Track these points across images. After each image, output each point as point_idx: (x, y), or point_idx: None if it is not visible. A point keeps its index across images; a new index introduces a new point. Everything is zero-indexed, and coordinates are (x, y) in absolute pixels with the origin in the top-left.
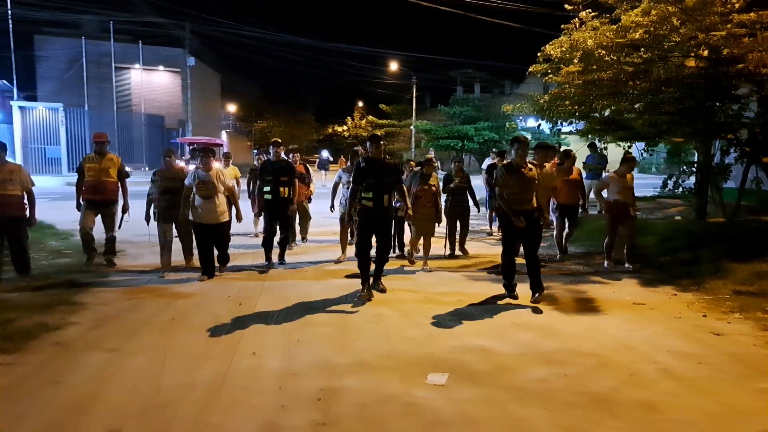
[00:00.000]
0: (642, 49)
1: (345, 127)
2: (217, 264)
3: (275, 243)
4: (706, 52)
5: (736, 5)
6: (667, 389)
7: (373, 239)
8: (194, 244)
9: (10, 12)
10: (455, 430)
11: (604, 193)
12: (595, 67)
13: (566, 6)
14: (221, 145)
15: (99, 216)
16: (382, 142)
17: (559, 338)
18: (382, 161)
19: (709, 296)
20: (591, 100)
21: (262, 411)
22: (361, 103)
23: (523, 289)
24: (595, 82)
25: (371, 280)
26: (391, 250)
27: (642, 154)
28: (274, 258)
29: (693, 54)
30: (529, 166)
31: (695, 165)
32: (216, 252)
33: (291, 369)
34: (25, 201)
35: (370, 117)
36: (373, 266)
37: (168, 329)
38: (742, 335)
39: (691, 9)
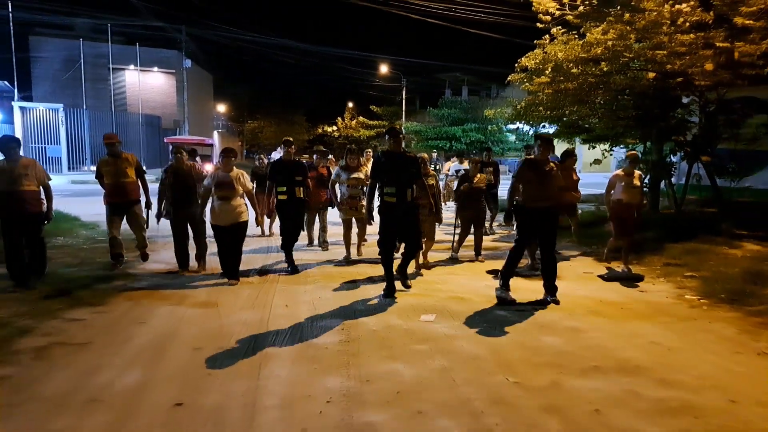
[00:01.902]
0: (603, 63)
1: (335, 128)
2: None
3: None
4: (657, 66)
5: (686, 25)
6: (592, 322)
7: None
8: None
9: (11, 15)
10: (437, 341)
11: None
12: (562, 78)
13: (538, 24)
14: (211, 146)
15: (125, 218)
16: (401, 135)
17: (519, 293)
18: (402, 154)
19: (645, 267)
20: (560, 106)
21: (301, 336)
22: (351, 104)
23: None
24: (562, 91)
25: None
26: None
27: (603, 154)
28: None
29: (649, 68)
30: (551, 164)
31: (649, 164)
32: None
33: (317, 314)
34: (42, 197)
35: (360, 118)
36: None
37: (214, 292)
38: (661, 292)
39: (642, 29)
